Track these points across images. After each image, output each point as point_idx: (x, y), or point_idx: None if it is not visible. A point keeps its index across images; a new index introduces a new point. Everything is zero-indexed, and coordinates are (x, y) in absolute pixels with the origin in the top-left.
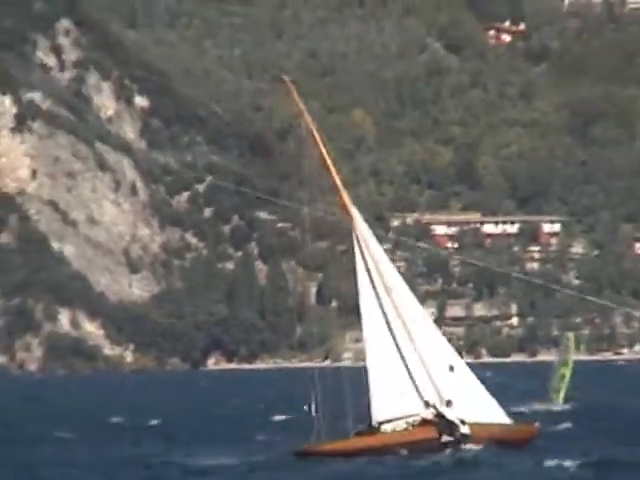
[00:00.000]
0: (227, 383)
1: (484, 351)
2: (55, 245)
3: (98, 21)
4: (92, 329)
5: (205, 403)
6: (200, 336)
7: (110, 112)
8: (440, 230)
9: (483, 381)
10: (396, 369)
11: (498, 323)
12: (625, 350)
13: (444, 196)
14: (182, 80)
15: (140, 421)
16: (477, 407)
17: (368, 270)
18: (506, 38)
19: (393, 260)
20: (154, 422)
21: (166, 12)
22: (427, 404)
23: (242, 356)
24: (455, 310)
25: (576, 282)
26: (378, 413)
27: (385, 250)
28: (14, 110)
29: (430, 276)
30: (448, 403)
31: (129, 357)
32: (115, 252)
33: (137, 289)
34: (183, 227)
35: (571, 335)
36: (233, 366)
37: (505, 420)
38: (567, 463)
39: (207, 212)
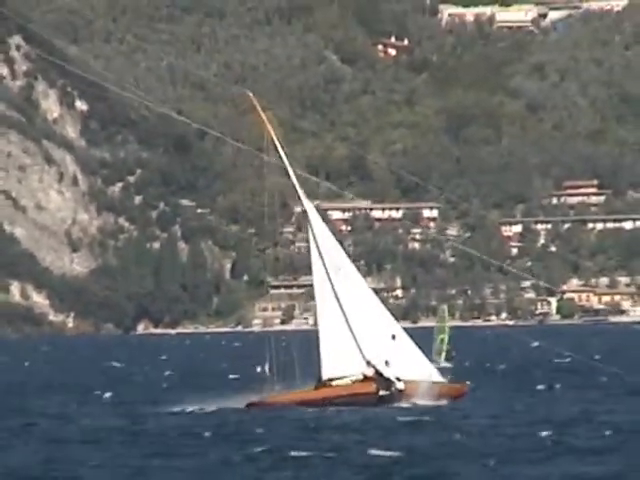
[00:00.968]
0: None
1: None
2: (7, 228)
3: (45, 38)
4: (39, 299)
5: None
6: (131, 305)
7: (55, 115)
8: (336, 215)
9: None
10: (343, 334)
11: (385, 294)
12: (493, 317)
13: (339, 186)
14: (116, 87)
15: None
16: (414, 367)
17: (319, 252)
18: (392, 52)
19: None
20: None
21: (103, 30)
22: (368, 363)
23: (167, 322)
24: None
25: (451, 260)
26: (327, 371)
27: (289, 232)
28: None
29: None
30: (386, 363)
31: (70, 323)
32: (59, 234)
33: (77, 265)
34: (117, 212)
35: (445, 307)
36: (159, 331)
37: (439, 379)
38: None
39: (137, 200)
